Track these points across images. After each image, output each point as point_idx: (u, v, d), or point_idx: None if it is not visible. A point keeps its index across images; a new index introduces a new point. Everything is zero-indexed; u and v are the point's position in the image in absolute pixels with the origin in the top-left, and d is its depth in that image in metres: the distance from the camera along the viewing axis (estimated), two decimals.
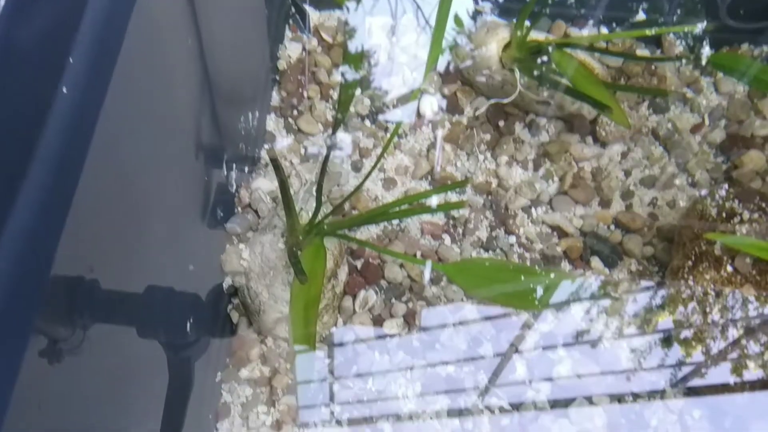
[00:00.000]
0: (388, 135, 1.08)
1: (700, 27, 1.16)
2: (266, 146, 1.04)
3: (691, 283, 0.92)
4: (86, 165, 0.63)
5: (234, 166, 0.97)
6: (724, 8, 1.06)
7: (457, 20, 1.11)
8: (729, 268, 0.91)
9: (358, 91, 1.10)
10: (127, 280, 0.77)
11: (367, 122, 1.09)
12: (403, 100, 1.09)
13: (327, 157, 0.80)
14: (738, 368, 0.93)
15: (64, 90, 0.58)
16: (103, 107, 0.66)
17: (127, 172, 0.74)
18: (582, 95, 0.93)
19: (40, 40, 0.60)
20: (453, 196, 1.07)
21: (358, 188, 0.87)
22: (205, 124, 0.93)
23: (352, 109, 1.09)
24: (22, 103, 0.59)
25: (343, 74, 0.70)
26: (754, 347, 0.92)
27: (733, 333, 0.93)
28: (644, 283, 1.02)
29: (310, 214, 0.87)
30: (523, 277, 0.86)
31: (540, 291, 0.86)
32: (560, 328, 1.01)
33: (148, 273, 0.82)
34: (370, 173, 0.84)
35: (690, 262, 0.94)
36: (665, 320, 0.98)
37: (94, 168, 0.64)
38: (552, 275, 0.86)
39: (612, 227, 1.06)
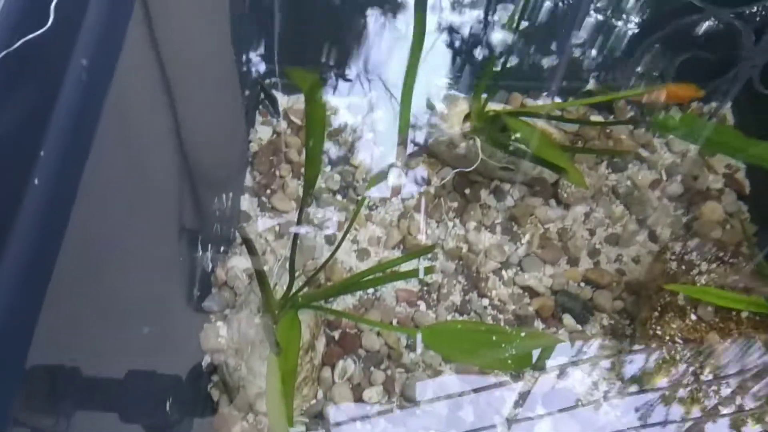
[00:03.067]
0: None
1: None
2: (242, 225, 1.08)
3: (659, 332, 0.95)
4: (61, 255, 0.66)
5: (210, 246, 1.00)
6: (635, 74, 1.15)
7: (429, 104, 1.17)
8: (693, 317, 0.94)
9: (328, 168, 1.15)
10: (107, 366, 0.79)
11: (339, 197, 1.13)
12: (371, 174, 1.14)
13: (296, 233, 0.83)
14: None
15: (36, 182, 0.61)
16: (77, 195, 0.70)
17: (103, 259, 0.77)
18: (539, 159, 0.98)
19: (10, 132, 0.64)
20: (425, 263, 1.10)
21: (329, 260, 0.90)
22: (181, 208, 0.97)
23: (323, 184, 1.13)
24: None
25: (307, 151, 0.74)
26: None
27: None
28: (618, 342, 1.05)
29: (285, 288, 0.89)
30: (494, 338, 0.88)
31: (513, 351, 0.88)
32: (538, 387, 1.02)
33: (128, 357, 0.84)
34: (339, 244, 0.87)
35: (656, 313, 0.97)
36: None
37: (69, 257, 0.67)
38: (522, 334, 0.89)
39: (582, 284, 1.10)
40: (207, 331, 0.97)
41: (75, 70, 0.66)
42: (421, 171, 1.15)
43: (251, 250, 0.80)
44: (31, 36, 0.63)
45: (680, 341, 0.94)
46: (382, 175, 1.15)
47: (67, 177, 0.69)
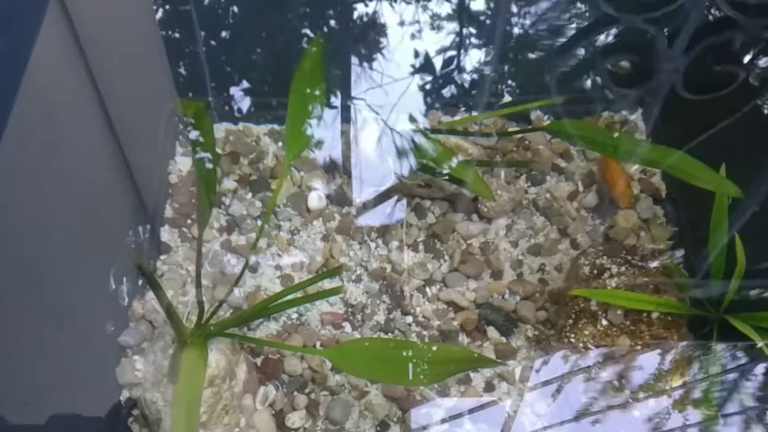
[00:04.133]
0: (281, 233, 1.13)
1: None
2: (162, 258, 1.08)
3: (573, 340, 0.96)
4: None
5: (125, 279, 1.00)
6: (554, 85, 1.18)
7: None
8: (604, 322, 0.95)
9: (249, 195, 1.15)
10: (27, 410, 0.79)
11: (261, 222, 1.14)
12: (292, 198, 1.15)
13: (199, 261, 0.83)
14: None
15: None
16: None
17: (6, 298, 0.77)
18: (447, 175, 1.00)
19: None
20: (351, 286, 1.10)
21: (236, 283, 0.91)
22: (93, 242, 0.97)
23: (244, 211, 1.14)
24: None
25: (199, 177, 0.75)
26: None
27: None
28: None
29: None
30: (404, 353, 0.89)
31: (425, 366, 0.88)
32: (463, 402, 1.02)
33: (42, 397, 0.83)
34: (244, 269, 0.87)
35: (571, 321, 0.98)
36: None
37: None
38: (434, 348, 0.89)
39: (506, 296, 1.11)
40: (124, 365, 0.96)
41: None
42: (342, 192, 1.16)
43: (148, 277, 0.80)
44: None
45: (593, 347, 0.95)
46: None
47: None
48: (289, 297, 0.96)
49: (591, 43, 1.35)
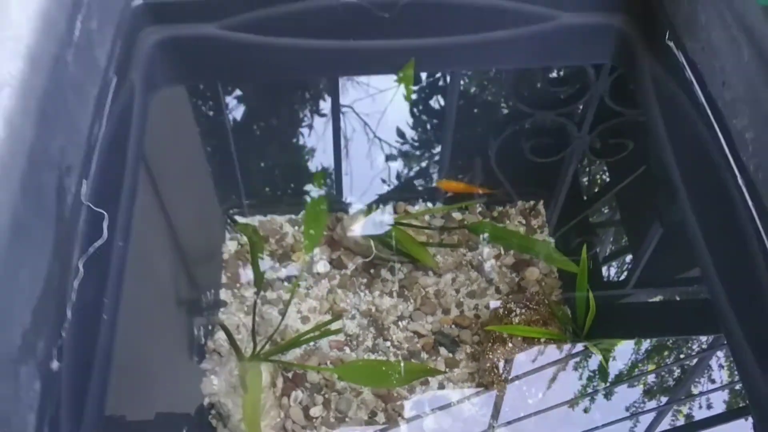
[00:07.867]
0: (300, 289, 1.68)
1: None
2: (221, 310, 1.63)
3: (491, 356, 1.51)
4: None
5: (201, 327, 1.55)
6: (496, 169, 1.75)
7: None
8: (510, 345, 1.50)
9: (276, 264, 1.70)
10: (146, 414, 1.35)
11: (286, 283, 1.69)
12: (306, 266, 1.70)
13: (254, 312, 1.38)
14: None
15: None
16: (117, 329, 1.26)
17: (140, 361, 1.33)
18: (404, 253, 1.56)
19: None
20: (349, 322, 1.65)
21: (278, 327, 1.46)
22: (183, 308, 1.52)
23: (275, 275, 1.69)
24: None
25: (253, 266, 1.31)
26: None
27: None
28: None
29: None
30: (383, 368, 1.44)
31: (396, 375, 1.44)
32: (425, 396, 1.57)
33: (158, 404, 1.39)
34: (282, 319, 1.42)
35: (490, 343, 1.53)
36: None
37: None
38: (402, 365, 1.44)
39: (452, 326, 1.65)
40: (205, 382, 1.51)
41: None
42: (340, 260, 1.71)
43: (224, 328, 1.35)
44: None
45: (503, 360, 1.50)
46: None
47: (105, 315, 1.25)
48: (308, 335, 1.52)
49: (515, 133, 1.92)
